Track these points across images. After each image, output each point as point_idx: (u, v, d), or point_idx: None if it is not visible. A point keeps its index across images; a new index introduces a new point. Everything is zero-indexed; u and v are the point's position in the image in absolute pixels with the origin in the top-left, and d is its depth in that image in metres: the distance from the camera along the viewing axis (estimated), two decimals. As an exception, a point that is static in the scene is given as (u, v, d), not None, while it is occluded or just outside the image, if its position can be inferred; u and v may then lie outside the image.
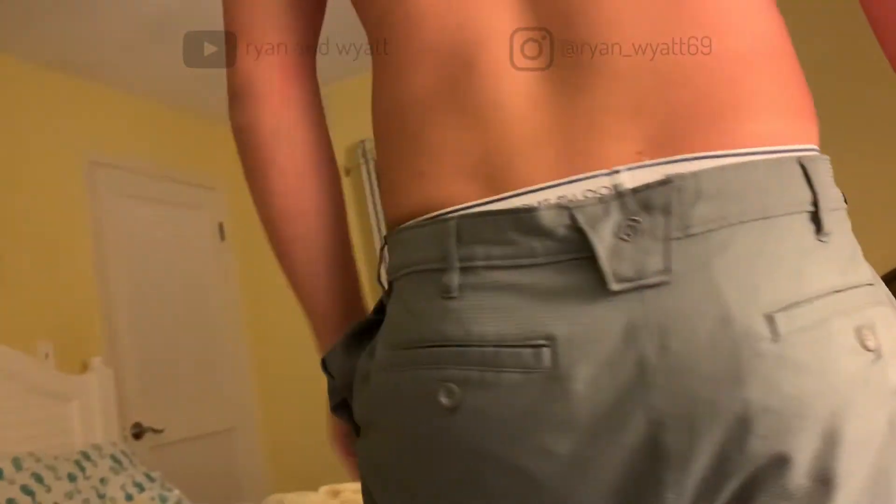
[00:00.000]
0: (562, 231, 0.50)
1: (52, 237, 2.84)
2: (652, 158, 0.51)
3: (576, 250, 0.50)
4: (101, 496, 2.33)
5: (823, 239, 0.51)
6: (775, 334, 0.47)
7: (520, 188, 0.53)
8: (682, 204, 0.49)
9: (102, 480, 2.38)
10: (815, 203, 0.51)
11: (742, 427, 0.47)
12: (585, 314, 0.49)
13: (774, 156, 0.52)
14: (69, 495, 2.23)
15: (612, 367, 0.48)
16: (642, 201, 0.50)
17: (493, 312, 0.52)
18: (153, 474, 2.55)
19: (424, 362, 0.54)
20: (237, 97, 0.69)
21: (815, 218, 0.51)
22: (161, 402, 3.12)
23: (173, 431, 3.12)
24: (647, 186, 0.50)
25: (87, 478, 2.35)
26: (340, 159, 3.51)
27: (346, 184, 3.50)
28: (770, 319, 0.48)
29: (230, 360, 3.54)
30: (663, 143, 0.52)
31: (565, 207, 0.50)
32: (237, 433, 3.48)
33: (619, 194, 0.50)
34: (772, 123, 0.53)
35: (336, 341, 0.69)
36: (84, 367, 2.84)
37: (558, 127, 0.53)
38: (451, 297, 0.53)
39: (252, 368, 3.65)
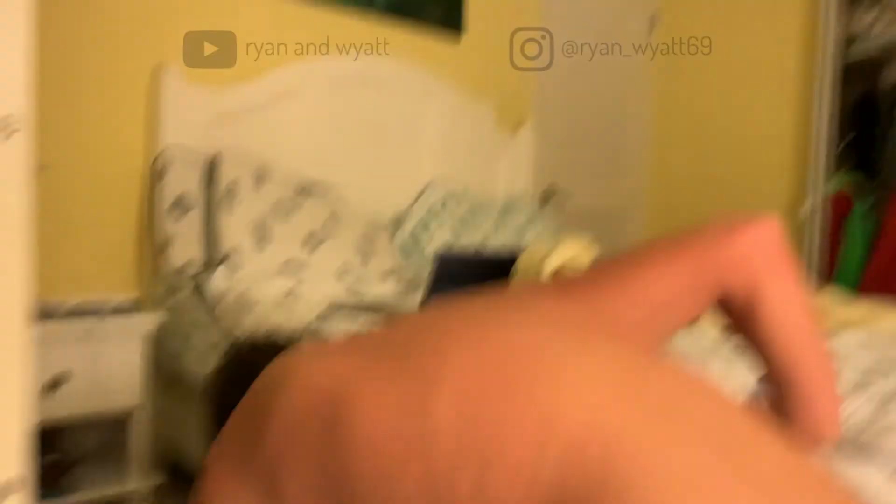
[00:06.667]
0: None
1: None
2: None
3: None
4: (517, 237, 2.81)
5: None
6: None
7: None
8: None
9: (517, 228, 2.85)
10: None
11: None
12: None
13: None
14: (495, 229, 2.75)
15: None
16: None
17: None
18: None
19: None
20: None
21: None
22: (571, 170, 3.46)
23: (579, 198, 3.46)
24: None
25: (506, 224, 2.83)
26: None
27: None
28: None
29: (634, 144, 3.73)
30: None
31: None
32: (628, 212, 3.75)
33: None
34: None
35: None
36: (516, 128, 3.27)
37: None
38: None
39: (652, 156, 3.80)
